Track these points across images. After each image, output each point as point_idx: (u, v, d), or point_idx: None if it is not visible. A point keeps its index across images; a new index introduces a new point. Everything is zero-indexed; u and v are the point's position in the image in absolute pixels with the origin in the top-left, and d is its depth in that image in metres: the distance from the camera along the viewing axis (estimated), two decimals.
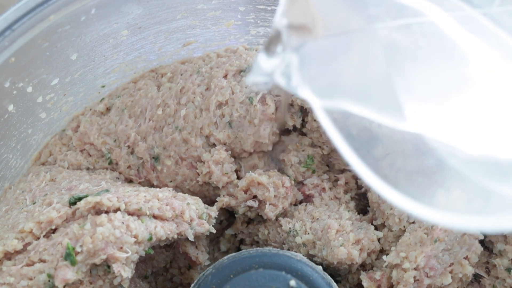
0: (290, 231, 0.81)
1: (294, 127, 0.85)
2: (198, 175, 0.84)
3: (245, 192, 0.82)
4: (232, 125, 0.82)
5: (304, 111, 0.84)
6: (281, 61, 0.53)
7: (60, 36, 0.76)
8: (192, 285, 0.73)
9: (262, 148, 0.84)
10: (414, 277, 0.71)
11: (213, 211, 0.79)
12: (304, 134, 0.86)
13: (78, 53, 0.80)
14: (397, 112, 0.54)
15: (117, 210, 0.70)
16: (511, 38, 0.57)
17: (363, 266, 0.79)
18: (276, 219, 0.83)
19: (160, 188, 0.80)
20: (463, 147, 0.54)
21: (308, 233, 0.79)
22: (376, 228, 0.80)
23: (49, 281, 0.67)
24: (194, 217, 0.75)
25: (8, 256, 0.70)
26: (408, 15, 0.56)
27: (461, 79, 0.56)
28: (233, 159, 0.84)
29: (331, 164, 0.87)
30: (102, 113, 0.86)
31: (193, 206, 0.76)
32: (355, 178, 0.86)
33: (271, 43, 0.53)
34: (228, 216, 0.90)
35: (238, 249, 0.89)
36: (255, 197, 0.82)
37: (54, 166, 0.84)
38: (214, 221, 0.79)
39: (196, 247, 0.80)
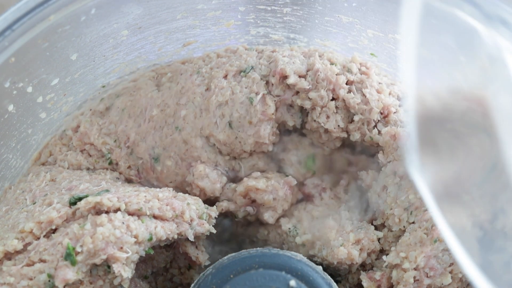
0: (290, 231, 0.81)
1: (294, 127, 0.85)
2: None
3: (244, 197, 0.82)
4: (232, 126, 0.82)
5: (304, 112, 0.84)
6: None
7: (60, 36, 0.76)
8: (192, 285, 0.73)
9: (262, 149, 0.84)
10: (414, 277, 0.71)
11: (213, 211, 0.79)
12: (304, 135, 0.86)
13: (78, 53, 0.80)
14: None
15: (117, 210, 0.70)
16: None
17: (363, 266, 0.79)
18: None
19: (160, 188, 0.80)
20: None
21: (307, 233, 0.79)
22: (376, 228, 0.80)
23: (49, 281, 0.67)
24: (194, 217, 0.75)
25: (8, 256, 0.70)
26: None
27: None
28: (215, 160, 0.83)
29: (332, 164, 0.87)
30: (102, 113, 0.86)
31: (193, 206, 0.76)
32: (355, 178, 0.86)
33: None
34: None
35: (238, 249, 0.89)
36: (254, 201, 0.82)
37: (54, 166, 0.84)
38: (214, 221, 0.79)
39: (196, 247, 0.80)
